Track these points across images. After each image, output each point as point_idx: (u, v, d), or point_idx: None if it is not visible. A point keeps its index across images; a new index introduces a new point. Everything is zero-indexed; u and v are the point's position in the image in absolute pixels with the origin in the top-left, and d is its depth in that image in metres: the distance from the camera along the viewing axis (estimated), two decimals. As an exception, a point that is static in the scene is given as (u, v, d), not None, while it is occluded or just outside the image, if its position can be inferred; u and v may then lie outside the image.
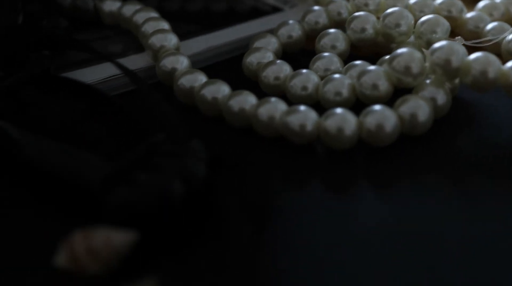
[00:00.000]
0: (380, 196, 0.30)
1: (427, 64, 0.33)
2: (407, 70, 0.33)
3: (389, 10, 0.36)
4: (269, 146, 0.33)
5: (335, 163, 0.32)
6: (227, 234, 0.27)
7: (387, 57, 0.35)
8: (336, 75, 0.34)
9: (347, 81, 0.34)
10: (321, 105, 0.34)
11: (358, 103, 0.34)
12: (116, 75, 0.36)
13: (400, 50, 0.33)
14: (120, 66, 0.32)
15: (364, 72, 0.33)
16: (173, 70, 0.36)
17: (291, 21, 0.38)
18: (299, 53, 0.39)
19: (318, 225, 0.29)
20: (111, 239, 0.26)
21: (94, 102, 0.30)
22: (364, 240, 0.28)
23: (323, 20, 0.38)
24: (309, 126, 0.32)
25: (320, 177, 0.31)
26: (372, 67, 0.34)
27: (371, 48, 0.39)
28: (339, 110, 0.32)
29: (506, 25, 0.39)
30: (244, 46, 0.39)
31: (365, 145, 0.32)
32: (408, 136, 0.33)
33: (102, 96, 0.31)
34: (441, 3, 0.39)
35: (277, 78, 0.35)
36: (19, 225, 0.29)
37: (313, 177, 0.31)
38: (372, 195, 0.30)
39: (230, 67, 0.38)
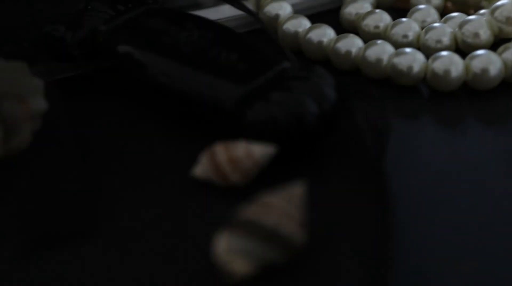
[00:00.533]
0: (488, 133, 0.32)
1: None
2: (508, 19, 0.34)
3: (483, -32, 0.38)
4: (375, 87, 0.34)
5: (441, 104, 0.33)
6: (356, 152, 0.29)
7: (483, 10, 0.36)
8: (437, 24, 0.35)
9: (448, 29, 0.35)
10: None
11: (457, 52, 0.35)
12: (222, 18, 0.37)
13: (501, 1, 0.35)
14: (242, 6, 0.34)
15: (466, 21, 0.35)
16: (277, 16, 0.37)
17: (384, -23, 0.40)
18: (390, 10, 0.40)
19: (429, 155, 0.30)
20: (252, 151, 0.27)
21: (220, 33, 0.32)
22: (471, 173, 0.29)
23: (416, -23, 0.40)
24: (416, 67, 0.33)
25: (428, 114, 0.33)
26: (474, 16, 0.35)
27: (460, 8, 0.40)
28: (446, 53, 0.33)
29: None
30: (337, 1, 0.40)
31: (467, 88, 0.34)
32: (508, 83, 0.34)
33: (225, 28, 0.32)
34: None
35: (377, 26, 0.36)
36: (161, 144, 0.30)
37: (422, 114, 0.33)
38: (480, 132, 0.32)
39: (324, 20, 0.40)
